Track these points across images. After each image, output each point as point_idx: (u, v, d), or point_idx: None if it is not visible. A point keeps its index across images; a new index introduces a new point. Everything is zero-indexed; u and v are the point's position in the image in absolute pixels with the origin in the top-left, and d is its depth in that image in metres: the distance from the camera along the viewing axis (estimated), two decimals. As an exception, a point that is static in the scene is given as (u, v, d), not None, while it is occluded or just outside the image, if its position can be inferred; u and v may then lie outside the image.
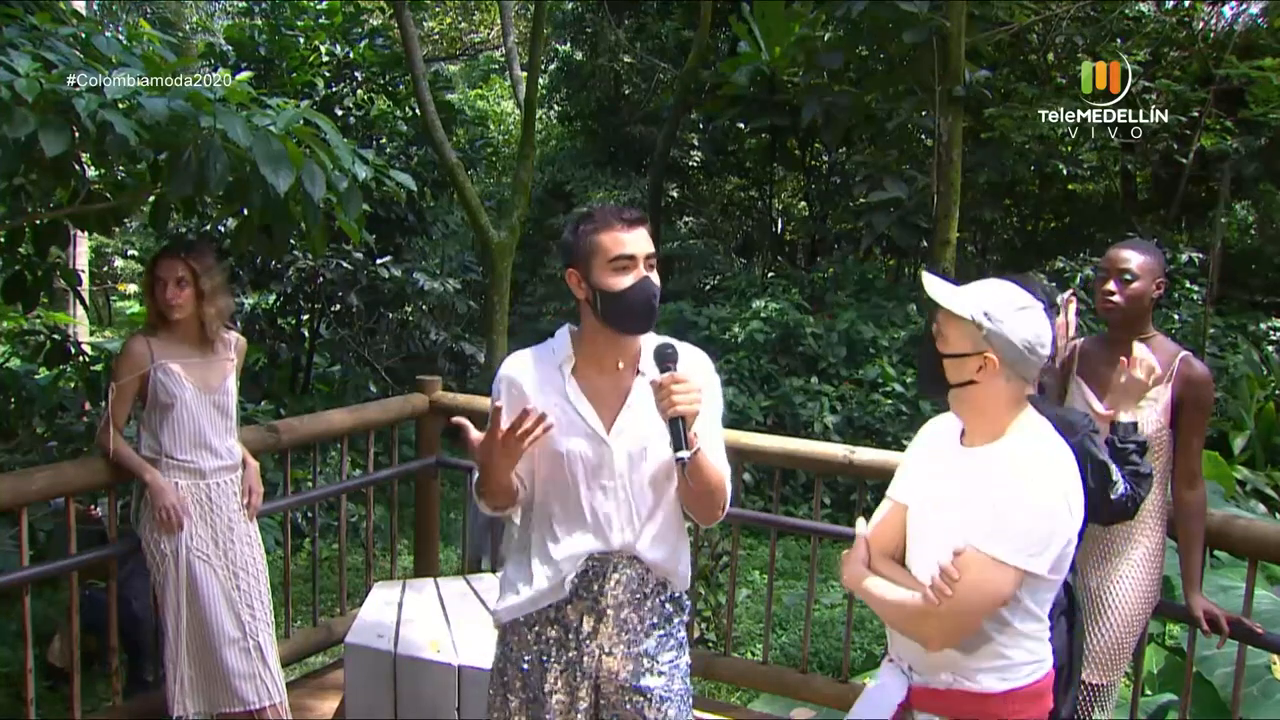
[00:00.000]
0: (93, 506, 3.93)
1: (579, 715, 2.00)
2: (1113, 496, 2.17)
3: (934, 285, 1.77)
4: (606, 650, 1.98)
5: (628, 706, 1.98)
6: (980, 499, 1.69)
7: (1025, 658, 1.75)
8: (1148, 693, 3.39)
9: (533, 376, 1.96)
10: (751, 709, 3.87)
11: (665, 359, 1.83)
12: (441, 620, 3.07)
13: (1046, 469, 1.69)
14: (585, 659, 1.98)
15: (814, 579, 3.50)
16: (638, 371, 1.98)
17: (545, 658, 1.98)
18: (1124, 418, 2.32)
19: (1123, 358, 2.37)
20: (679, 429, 1.77)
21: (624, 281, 1.88)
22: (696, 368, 1.97)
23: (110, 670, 3.04)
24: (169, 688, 2.84)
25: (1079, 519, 1.71)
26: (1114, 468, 2.19)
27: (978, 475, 1.72)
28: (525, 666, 1.99)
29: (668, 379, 1.78)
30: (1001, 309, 1.72)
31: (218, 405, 2.89)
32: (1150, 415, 2.44)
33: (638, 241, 1.89)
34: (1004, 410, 1.75)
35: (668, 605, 2.03)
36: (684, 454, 1.77)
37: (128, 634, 2.95)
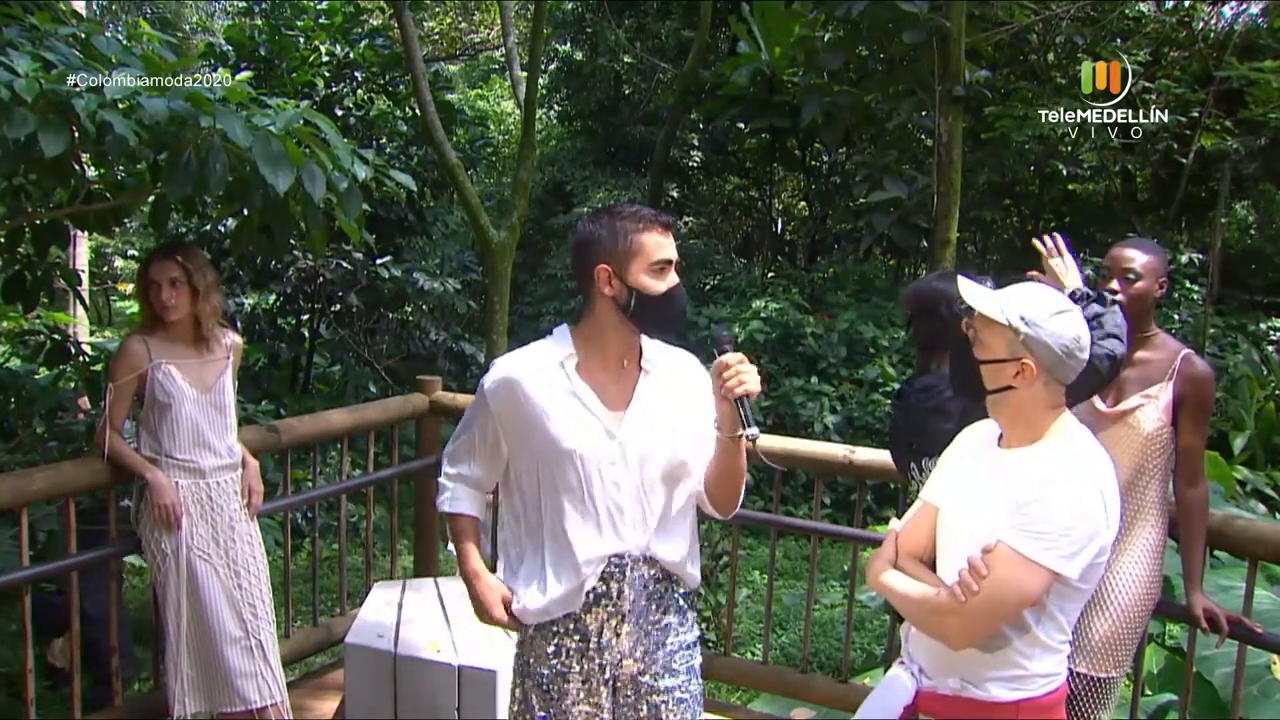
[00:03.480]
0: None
1: None
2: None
3: (970, 290, 1.75)
4: (626, 654, 1.97)
5: (644, 708, 1.97)
6: (1015, 499, 1.67)
7: (1040, 669, 1.73)
8: (1148, 693, 3.39)
9: (531, 376, 1.95)
10: (751, 709, 3.87)
11: (721, 342, 1.83)
12: (441, 620, 3.07)
13: (1085, 471, 1.68)
14: (606, 666, 1.96)
15: (814, 579, 3.50)
16: (640, 368, 1.98)
17: (565, 669, 1.95)
18: (1070, 286, 2.35)
19: (1039, 241, 2.45)
20: (744, 406, 1.79)
21: (663, 285, 1.89)
22: (690, 365, 2.03)
23: (111, 670, 3.04)
24: (170, 687, 2.84)
25: (1114, 528, 1.69)
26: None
27: (1014, 477, 1.71)
28: (544, 684, 1.96)
29: (733, 359, 1.78)
30: (1038, 313, 1.70)
31: (215, 404, 2.89)
32: (1151, 413, 2.44)
33: (673, 246, 1.92)
34: (1042, 414, 1.74)
35: (682, 603, 2.03)
36: (754, 430, 1.78)
37: (88, 648, 2.90)
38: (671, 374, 2.01)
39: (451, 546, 2.14)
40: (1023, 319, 1.70)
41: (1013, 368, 1.71)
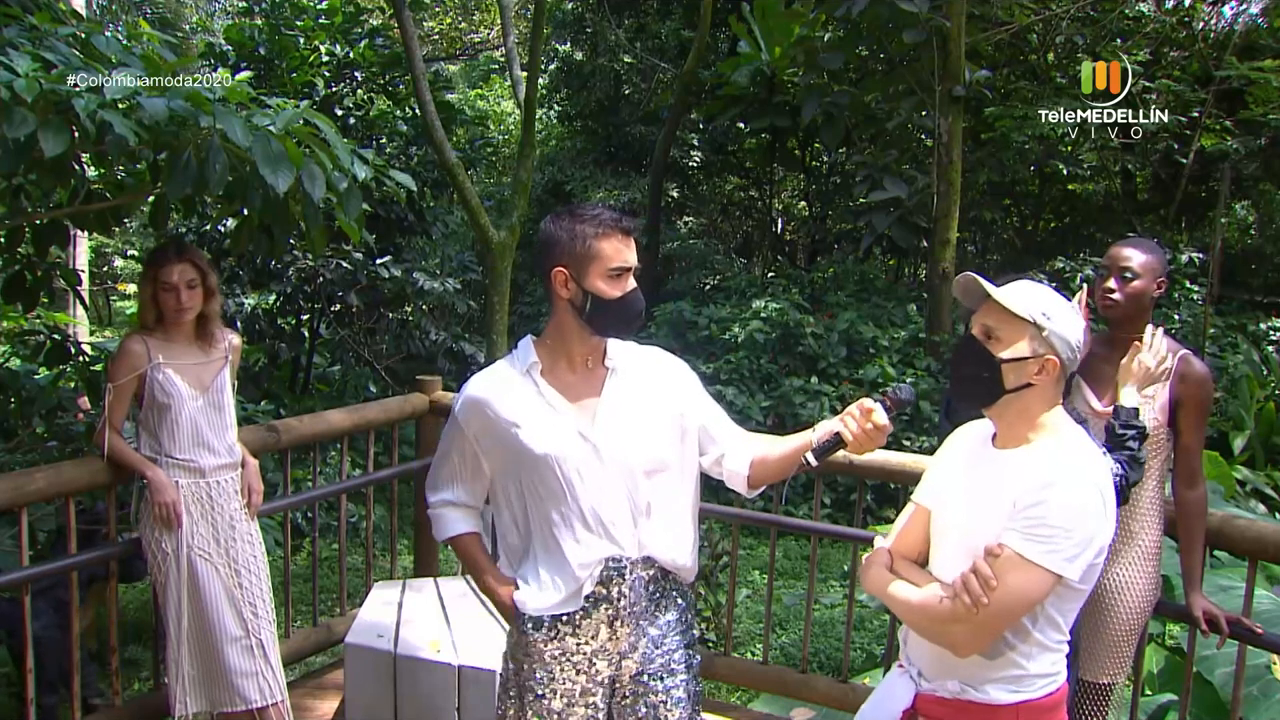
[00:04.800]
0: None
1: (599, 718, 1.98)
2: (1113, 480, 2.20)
3: (993, 289, 1.73)
4: (625, 655, 1.96)
5: (643, 708, 1.96)
6: (1016, 501, 1.66)
7: (1040, 670, 1.73)
8: (1148, 693, 3.39)
9: (500, 391, 1.96)
10: (751, 709, 3.87)
11: (896, 399, 1.83)
12: (441, 620, 3.07)
13: (1083, 472, 1.67)
14: (606, 669, 1.96)
15: (814, 579, 3.50)
16: (605, 367, 1.98)
17: (563, 673, 1.95)
18: (1127, 402, 2.32)
19: (1136, 341, 2.38)
20: (832, 445, 1.83)
21: (618, 291, 1.90)
22: (661, 359, 2.06)
23: (111, 670, 3.04)
24: (170, 686, 2.84)
25: (1112, 525, 1.69)
26: (1107, 455, 2.20)
27: (1013, 477, 1.70)
28: (539, 688, 1.95)
29: (881, 420, 1.80)
30: (1056, 309, 1.71)
31: (214, 404, 2.89)
32: (1147, 413, 2.43)
33: (634, 253, 1.92)
34: (1043, 413, 1.74)
35: (680, 600, 2.02)
36: (814, 461, 1.84)
37: (36, 656, 2.84)
38: (640, 370, 2.01)
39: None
40: (1044, 315, 1.70)
41: (1035, 365, 1.71)
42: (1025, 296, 1.72)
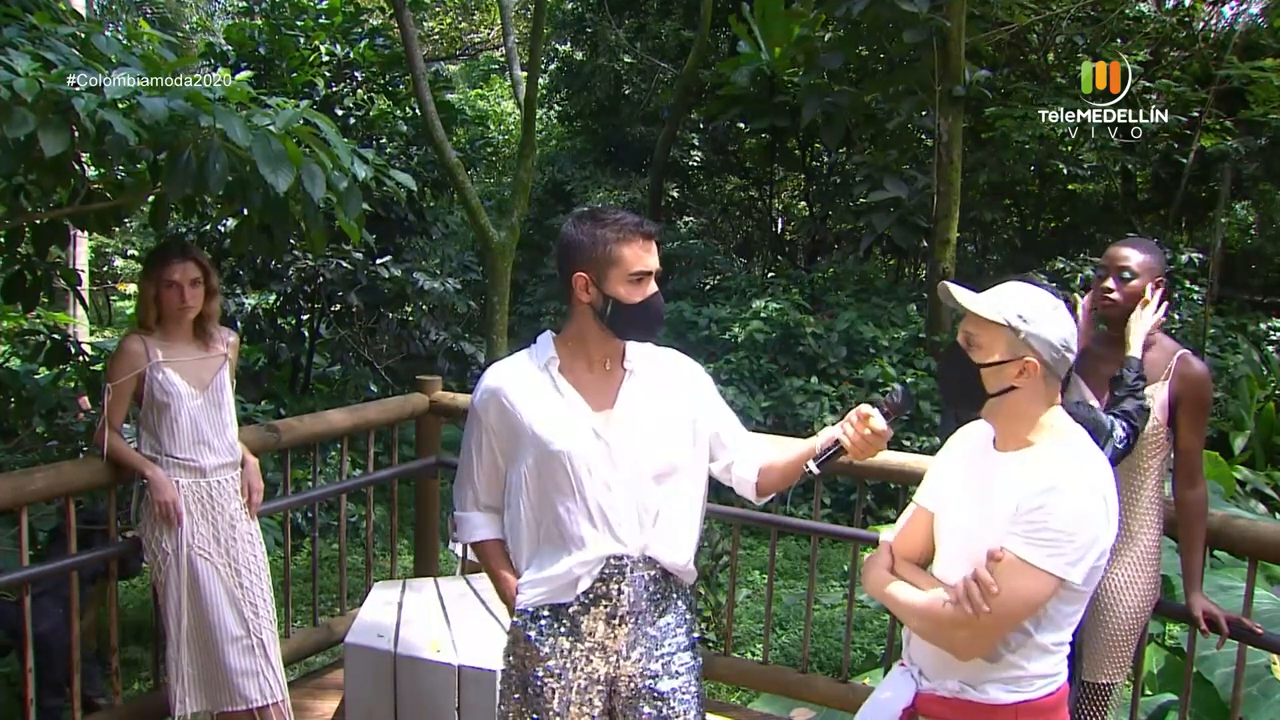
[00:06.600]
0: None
1: None
2: (1118, 445, 2.26)
3: (964, 295, 1.74)
4: (624, 655, 1.96)
5: (645, 710, 1.96)
6: (1017, 504, 1.66)
7: (1040, 670, 1.72)
8: (1148, 693, 3.39)
9: (518, 383, 1.96)
10: (751, 709, 3.87)
11: (894, 405, 1.85)
12: (441, 620, 3.07)
13: (1085, 476, 1.67)
14: (603, 668, 1.96)
15: (814, 579, 3.50)
16: (624, 369, 1.99)
17: (560, 671, 1.94)
18: (1135, 354, 2.38)
19: (1144, 300, 2.45)
20: (834, 453, 1.86)
21: (639, 296, 1.90)
22: (678, 363, 2.06)
23: (111, 670, 3.04)
24: (171, 686, 2.84)
25: (1114, 530, 1.69)
26: (1106, 421, 2.26)
27: (1014, 480, 1.70)
28: (538, 685, 1.95)
29: (879, 426, 1.81)
30: (1034, 310, 1.70)
31: (214, 402, 2.89)
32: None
33: (655, 257, 1.92)
34: (1038, 413, 1.74)
35: (680, 603, 2.02)
36: (815, 469, 1.88)
37: (37, 655, 2.83)
38: (657, 373, 2.02)
39: (455, 547, 2.13)
40: (1020, 317, 1.69)
41: (1015, 368, 1.70)
42: (1001, 300, 1.72)
